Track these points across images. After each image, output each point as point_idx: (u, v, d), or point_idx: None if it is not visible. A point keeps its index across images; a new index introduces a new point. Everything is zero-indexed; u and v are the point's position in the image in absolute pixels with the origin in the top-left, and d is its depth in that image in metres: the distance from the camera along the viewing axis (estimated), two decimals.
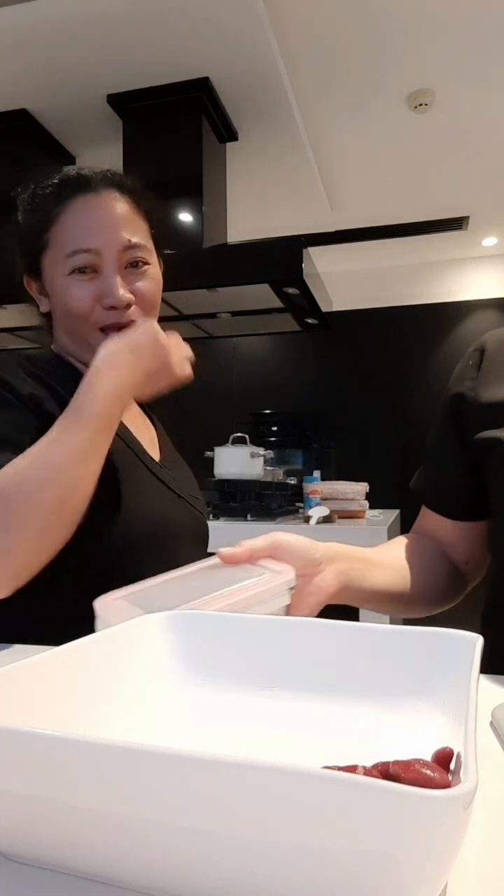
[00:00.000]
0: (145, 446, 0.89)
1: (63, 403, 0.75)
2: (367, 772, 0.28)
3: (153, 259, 0.85)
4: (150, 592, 0.57)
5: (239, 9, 1.71)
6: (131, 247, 0.81)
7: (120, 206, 0.82)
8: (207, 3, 1.69)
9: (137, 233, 0.82)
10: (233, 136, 2.28)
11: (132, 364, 0.73)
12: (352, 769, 0.27)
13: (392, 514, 2.94)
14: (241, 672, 0.48)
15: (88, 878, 0.29)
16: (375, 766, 0.28)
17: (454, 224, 3.15)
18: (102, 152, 2.33)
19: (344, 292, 3.46)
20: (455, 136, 2.39)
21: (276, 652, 0.48)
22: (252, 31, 1.78)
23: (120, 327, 0.81)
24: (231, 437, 2.43)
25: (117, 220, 0.80)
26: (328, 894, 0.24)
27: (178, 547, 0.83)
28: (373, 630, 0.47)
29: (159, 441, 0.95)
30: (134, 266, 0.82)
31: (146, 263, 0.83)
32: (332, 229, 3.16)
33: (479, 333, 0.84)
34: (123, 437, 0.84)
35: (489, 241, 3.43)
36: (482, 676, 0.47)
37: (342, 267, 3.59)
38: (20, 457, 0.67)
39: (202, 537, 0.92)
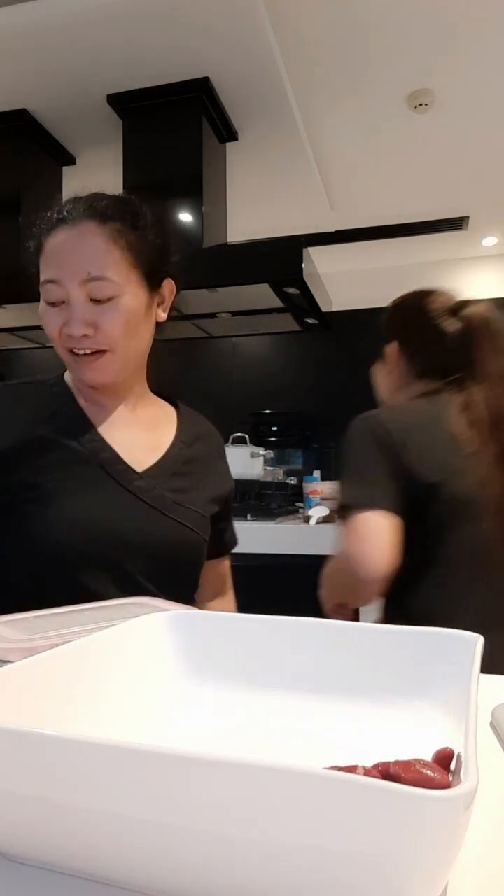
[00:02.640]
0: (134, 454, 0.90)
1: (22, 435, 0.84)
2: (368, 772, 0.28)
3: (127, 290, 0.85)
4: (30, 622, 0.57)
5: (239, 9, 1.71)
6: (92, 279, 0.82)
7: (92, 239, 0.83)
8: (207, 3, 1.69)
9: (106, 266, 0.83)
10: (233, 136, 2.28)
11: None
12: (352, 769, 0.27)
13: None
14: (241, 672, 0.48)
15: (88, 878, 0.29)
16: (376, 767, 0.28)
17: (454, 224, 3.15)
18: (102, 152, 2.33)
19: (344, 292, 3.45)
20: (455, 136, 2.39)
21: (276, 652, 0.48)
22: (252, 31, 1.78)
23: (81, 352, 0.85)
24: (231, 437, 2.43)
25: (86, 251, 0.82)
26: (328, 894, 0.24)
27: (131, 558, 0.85)
28: (373, 630, 0.47)
29: (172, 446, 0.95)
30: (97, 301, 0.83)
31: (112, 296, 0.83)
32: (332, 229, 3.16)
33: None
34: (87, 446, 0.87)
35: (489, 241, 3.43)
36: (482, 676, 0.47)
37: (342, 267, 3.59)
38: None
39: (178, 549, 0.90)
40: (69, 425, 0.89)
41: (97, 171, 2.42)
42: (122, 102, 2.09)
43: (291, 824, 0.23)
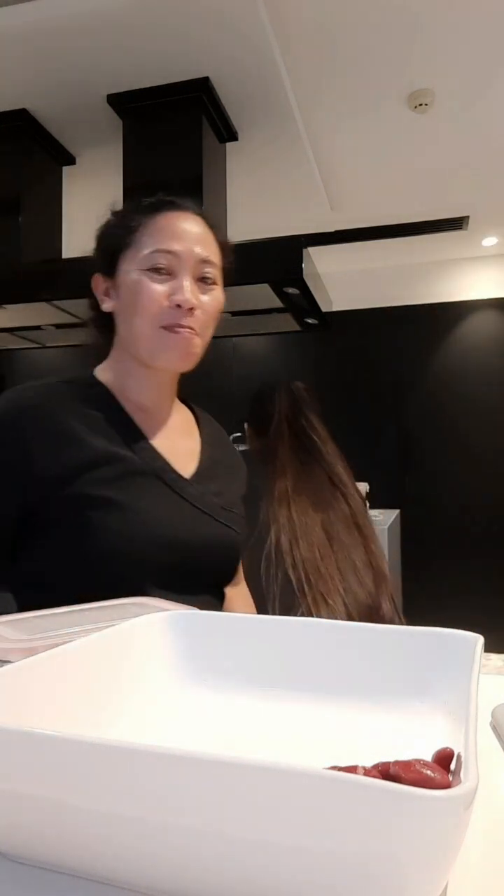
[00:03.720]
0: (178, 461, 0.90)
1: (70, 438, 0.81)
2: (368, 772, 0.28)
3: (220, 283, 0.90)
4: (30, 622, 0.57)
5: (239, 9, 1.71)
6: (205, 261, 0.86)
7: (203, 228, 0.89)
8: (208, 3, 1.69)
9: (215, 254, 0.88)
10: (233, 136, 2.28)
11: None
12: (352, 769, 0.27)
13: (392, 514, 2.94)
14: (241, 672, 0.48)
15: (88, 878, 0.29)
16: (376, 767, 0.28)
17: (454, 224, 3.15)
18: (102, 152, 2.33)
19: (344, 292, 3.45)
20: (455, 136, 2.39)
21: (277, 652, 0.48)
22: (252, 30, 1.78)
23: (180, 328, 0.84)
24: (231, 437, 2.42)
25: (198, 235, 0.87)
26: (328, 894, 0.24)
27: (189, 563, 0.85)
28: (373, 630, 0.47)
29: (202, 451, 0.96)
30: (204, 280, 0.87)
31: (214, 283, 0.88)
32: (332, 229, 3.16)
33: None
34: (140, 455, 0.86)
35: (489, 241, 3.43)
36: (482, 676, 0.47)
37: (342, 267, 3.59)
38: None
39: (227, 551, 0.92)
40: (121, 434, 0.87)
41: (97, 171, 2.41)
42: (122, 102, 2.09)
43: (291, 824, 0.23)
